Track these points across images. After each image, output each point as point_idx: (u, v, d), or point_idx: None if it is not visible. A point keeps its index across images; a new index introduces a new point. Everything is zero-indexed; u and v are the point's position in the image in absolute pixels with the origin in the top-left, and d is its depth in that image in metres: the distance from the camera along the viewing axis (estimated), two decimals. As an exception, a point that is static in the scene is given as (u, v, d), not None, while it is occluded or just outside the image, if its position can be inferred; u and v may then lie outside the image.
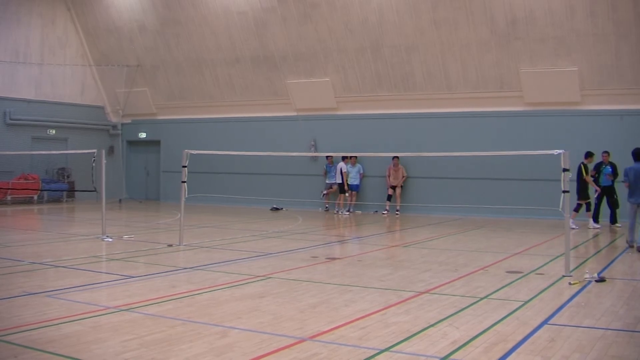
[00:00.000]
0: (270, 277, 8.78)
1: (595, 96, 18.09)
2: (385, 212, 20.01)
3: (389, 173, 20.16)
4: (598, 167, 16.53)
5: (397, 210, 19.94)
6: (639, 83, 17.50)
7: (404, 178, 20.16)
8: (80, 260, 10.13)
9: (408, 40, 19.60)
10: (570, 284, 8.37)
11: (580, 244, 12.55)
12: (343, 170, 20.22)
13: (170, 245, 11.91)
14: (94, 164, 13.51)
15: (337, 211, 20.44)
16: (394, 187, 20.03)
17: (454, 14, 18.70)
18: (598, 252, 11.72)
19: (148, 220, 17.97)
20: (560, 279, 8.76)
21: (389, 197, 20.15)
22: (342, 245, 13.51)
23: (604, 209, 16.70)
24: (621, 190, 15.19)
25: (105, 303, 7.14)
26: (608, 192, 16.48)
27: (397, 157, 19.77)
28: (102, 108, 26.03)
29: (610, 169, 16.32)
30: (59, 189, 23.28)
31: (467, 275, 9.10)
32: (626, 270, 9.69)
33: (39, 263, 9.72)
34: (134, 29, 24.00)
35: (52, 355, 5.14)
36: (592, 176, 16.27)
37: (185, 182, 12.27)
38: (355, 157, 20.36)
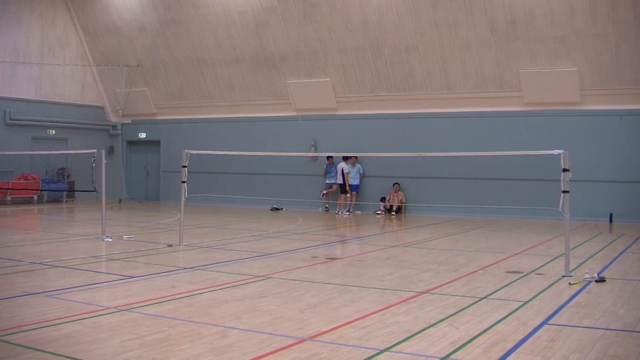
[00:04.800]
0: (270, 277, 8.78)
1: (595, 96, 18.09)
2: (380, 212, 20.04)
3: (390, 197, 20.16)
4: None
5: (393, 211, 19.91)
6: (639, 83, 17.51)
7: (403, 204, 20.10)
8: (80, 260, 10.13)
9: (408, 40, 19.60)
10: (570, 284, 8.37)
11: (580, 244, 12.54)
12: (345, 171, 20.23)
13: (170, 245, 11.91)
14: (93, 164, 13.51)
15: (338, 211, 20.44)
16: (390, 207, 20.01)
17: (454, 14, 18.70)
18: (598, 252, 11.71)
19: (148, 221, 17.97)
20: (560, 279, 8.76)
21: (383, 199, 20.19)
22: (342, 245, 13.51)
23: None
24: None
25: (105, 303, 7.14)
26: None
27: (397, 183, 20.00)
28: (102, 108, 26.04)
29: None
30: (59, 189, 23.29)
31: (467, 275, 9.10)
32: (626, 270, 9.68)
33: (39, 263, 9.72)
34: (134, 29, 24.00)
35: (52, 355, 5.13)
36: None
37: (185, 182, 12.27)
38: (356, 157, 20.36)
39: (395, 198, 20.02)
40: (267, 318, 6.44)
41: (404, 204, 20.11)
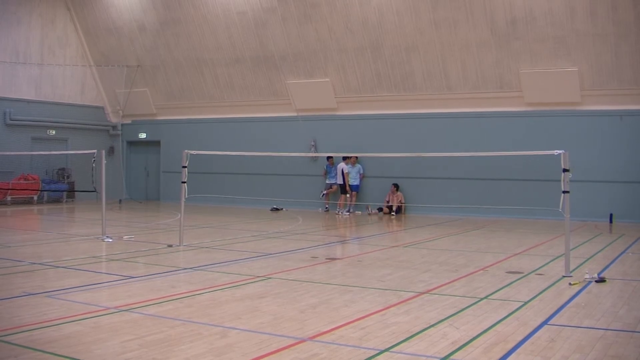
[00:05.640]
0: (270, 278, 8.78)
1: (595, 96, 18.09)
2: (373, 212, 20.09)
3: (388, 198, 20.17)
4: None
5: (393, 212, 19.89)
6: (639, 83, 17.51)
7: (402, 204, 20.13)
8: (81, 260, 10.13)
9: (408, 40, 19.60)
10: (570, 284, 8.37)
11: (580, 244, 12.54)
12: (345, 171, 20.23)
13: (170, 246, 11.91)
14: (94, 165, 13.51)
15: (338, 212, 20.44)
16: (390, 208, 20.01)
17: (454, 14, 18.70)
18: (598, 252, 11.71)
19: (148, 221, 17.97)
20: (560, 279, 8.76)
21: (380, 209, 20.23)
22: (342, 245, 13.51)
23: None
24: None
25: (105, 303, 7.14)
26: None
27: (395, 184, 19.97)
28: (102, 108, 26.04)
29: None
30: (59, 189, 23.29)
31: (467, 275, 9.10)
32: (626, 271, 9.68)
33: (39, 263, 9.72)
34: (134, 29, 24.00)
35: (52, 355, 5.14)
36: None
37: (185, 182, 12.27)
38: (356, 157, 20.36)
39: (394, 199, 20.03)
40: (267, 318, 6.44)
41: (403, 205, 20.11)
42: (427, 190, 20.05)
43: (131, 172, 26.51)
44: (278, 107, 22.76)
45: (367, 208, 20.54)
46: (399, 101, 20.65)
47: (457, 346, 5.50)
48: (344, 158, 20.40)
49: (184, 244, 12.07)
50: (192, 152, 12.61)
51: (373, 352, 5.30)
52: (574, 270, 9.30)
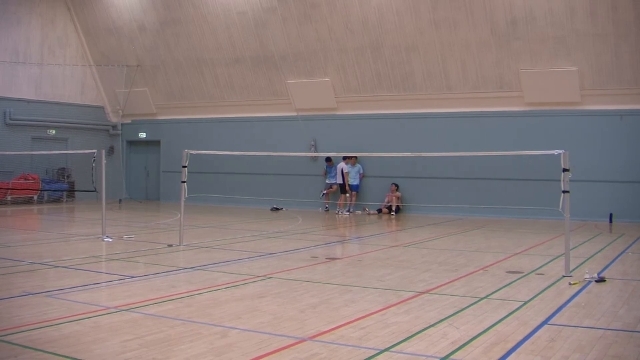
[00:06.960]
0: (270, 277, 8.78)
1: (595, 96, 18.09)
2: (374, 212, 20.11)
3: (387, 198, 20.18)
4: None
5: (393, 211, 19.89)
6: (639, 83, 17.51)
7: (400, 204, 20.10)
8: (80, 260, 10.13)
9: (408, 40, 19.60)
10: (570, 284, 8.37)
11: (580, 244, 12.54)
12: (345, 171, 20.24)
13: (170, 246, 11.91)
14: (94, 164, 13.52)
15: (338, 211, 20.44)
16: (389, 207, 19.99)
17: (454, 14, 18.70)
18: (598, 252, 11.71)
19: (148, 221, 17.97)
20: (560, 279, 8.76)
21: (379, 210, 20.23)
22: (342, 245, 13.51)
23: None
24: None
25: (105, 303, 7.14)
26: None
27: (394, 183, 20.04)
28: (102, 108, 26.04)
29: None
30: (59, 189, 23.29)
31: (467, 275, 9.10)
32: (626, 270, 9.68)
33: (39, 263, 9.72)
34: (134, 29, 24.00)
35: (52, 355, 5.14)
36: None
37: (185, 182, 12.27)
38: (356, 157, 20.36)
39: (393, 198, 20.03)
40: (267, 318, 6.44)
41: (400, 204, 20.07)
42: (427, 190, 20.05)
43: (131, 171, 26.51)
44: (278, 107, 22.76)
45: (364, 209, 20.54)
46: (399, 101, 20.65)
47: (457, 346, 5.50)
48: (344, 158, 20.40)
49: (184, 243, 12.07)
50: (192, 151, 12.61)
51: (373, 352, 5.30)
52: (574, 270, 9.30)
